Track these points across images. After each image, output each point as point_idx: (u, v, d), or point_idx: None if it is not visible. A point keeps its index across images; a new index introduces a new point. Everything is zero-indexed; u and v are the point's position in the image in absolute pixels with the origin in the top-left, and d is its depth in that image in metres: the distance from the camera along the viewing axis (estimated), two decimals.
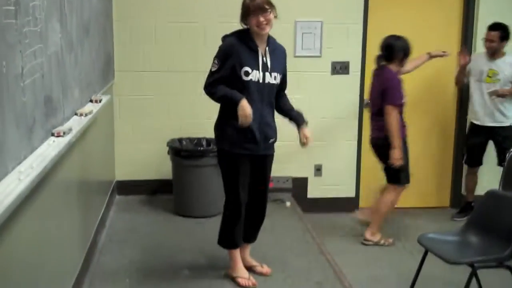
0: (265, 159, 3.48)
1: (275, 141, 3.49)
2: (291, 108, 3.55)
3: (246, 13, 3.26)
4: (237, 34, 3.34)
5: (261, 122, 3.34)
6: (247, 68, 3.25)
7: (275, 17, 3.28)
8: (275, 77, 3.35)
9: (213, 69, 3.31)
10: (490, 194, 3.57)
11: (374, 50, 5.20)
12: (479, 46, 5.21)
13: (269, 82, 3.33)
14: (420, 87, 5.40)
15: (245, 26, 3.32)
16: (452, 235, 3.53)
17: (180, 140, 4.84)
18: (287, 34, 4.98)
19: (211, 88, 3.32)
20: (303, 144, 3.50)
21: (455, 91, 5.46)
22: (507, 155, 4.49)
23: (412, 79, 5.29)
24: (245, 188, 3.44)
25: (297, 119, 3.51)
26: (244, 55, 3.25)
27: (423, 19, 5.30)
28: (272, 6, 3.27)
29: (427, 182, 5.56)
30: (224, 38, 3.38)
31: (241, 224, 3.49)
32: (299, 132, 3.49)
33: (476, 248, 3.38)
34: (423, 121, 5.46)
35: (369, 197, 5.05)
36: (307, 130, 3.49)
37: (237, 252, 3.55)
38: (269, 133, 3.40)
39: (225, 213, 3.50)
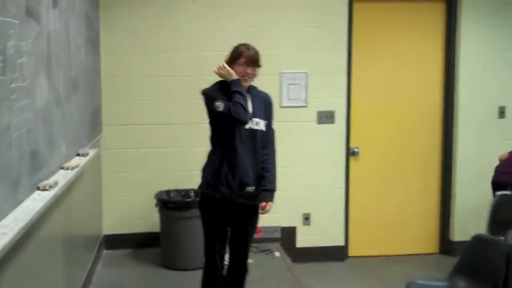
0: (245, 209, 3.39)
1: (256, 191, 3.38)
2: (267, 173, 3.42)
3: (236, 58, 3.31)
4: (218, 83, 3.39)
5: (238, 168, 3.30)
6: None
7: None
8: (257, 122, 3.36)
9: (220, 109, 3.24)
10: (477, 238, 3.59)
11: (358, 99, 5.33)
12: (462, 84, 5.33)
13: (251, 128, 3.33)
14: (401, 130, 5.48)
15: None
16: (440, 281, 3.54)
17: (168, 192, 4.84)
18: (273, 85, 5.07)
19: (233, 110, 3.25)
20: (260, 211, 3.43)
21: (439, 131, 5.53)
22: (492, 200, 4.55)
23: (393, 119, 5.40)
24: (221, 237, 3.40)
25: (263, 191, 3.39)
26: (226, 100, 3.25)
27: (404, 67, 5.42)
28: (260, 64, 3.35)
29: (413, 228, 5.58)
30: (204, 89, 3.37)
31: (218, 274, 3.44)
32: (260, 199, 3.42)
33: None
34: (406, 163, 5.51)
35: (359, 245, 5.06)
36: (269, 204, 3.38)
37: None
38: (246, 180, 3.32)
39: (204, 263, 3.48)
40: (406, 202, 5.55)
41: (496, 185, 4.64)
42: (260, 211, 3.40)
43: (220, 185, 3.30)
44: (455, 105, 5.43)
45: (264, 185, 3.41)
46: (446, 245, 5.54)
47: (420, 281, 3.50)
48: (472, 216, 5.25)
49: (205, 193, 3.37)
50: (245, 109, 3.23)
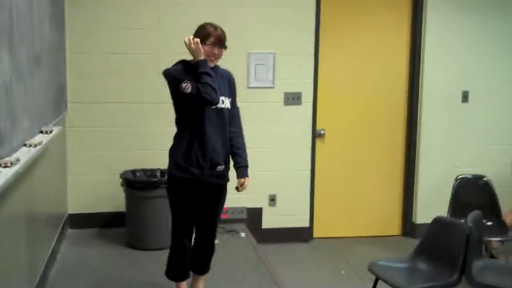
0: (214, 189, 3.42)
1: (225, 170, 3.43)
2: (239, 150, 3.48)
3: (204, 38, 3.27)
4: (180, 63, 3.35)
5: (208, 147, 3.30)
6: None
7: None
8: (223, 101, 3.35)
9: (188, 90, 3.17)
10: (438, 221, 3.66)
11: (325, 81, 5.35)
12: (427, 69, 5.41)
13: (217, 107, 3.32)
14: (367, 113, 5.53)
15: None
16: (402, 262, 3.59)
17: (133, 171, 4.81)
18: (240, 66, 5.05)
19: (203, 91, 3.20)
20: (237, 189, 3.49)
21: (404, 115, 5.59)
22: (453, 183, 4.64)
23: (359, 102, 5.45)
24: (189, 218, 3.41)
25: (238, 168, 3.47)
26: (192, 81, 3.21)
27: (371, 52, 5.46)
28: (226, 45, 3.34)
29: (377, 210, 5.66)
30: (166, 70, 3.32)
31: (185, 255, 3.46)
32: (237, 177, 3.48)
33: (425, 275, 3.44)
34: (371, 146, 5.58)
35: (324, 227, 5.11)
36: (247, 180, 3.47)
37: (182, 285, 3.52)
38: (216, 160, 3.34)
39: (171, 244, 3.48)
40: (371, 185, 5.62)
41: None
42: (239, 187, 3.46)
43: (191, 166, 3.30)
44: (419, 89, 5.49)
45: (239, 162, 3.47)
46: (409, 227, 5.64)
47: (382, 262, 3.56)
48: (435, 199, 5.33)
49: (176, 175, 3.35)
50: (215, 90, 3.22)
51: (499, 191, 4.75)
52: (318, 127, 5.39)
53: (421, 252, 3.64)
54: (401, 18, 5.47)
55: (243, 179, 3.45)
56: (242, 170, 3.46)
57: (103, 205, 5.07)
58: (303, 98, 5.27)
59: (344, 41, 5.40)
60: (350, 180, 5.57)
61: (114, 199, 4.96)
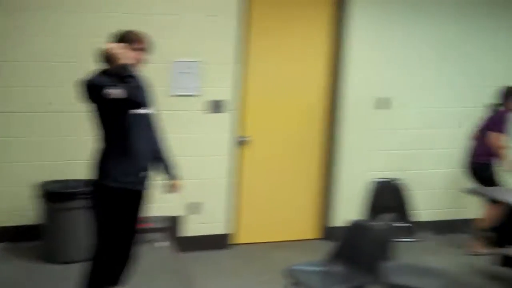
0: (141, 196, 3.43)
1: (149, 176, 3.46)
2: (164, 154, 3.57)
3: (129, 44, 3.27)
4: (101, 72, 3.28)
5: (136, 154, 3.31)
6: None
7: None
8: (146, 106, 3.37)
9: (114, 96, 3.10)
10: (354, 224, 3.76)
11: (251, 88, 5.37)
12: (348, 75, 5.55)
13: (141, 113, 3.31)
14: (291, 119, 5.61)
15: None
16: (317, 266, 3.67)
17: (48, 182, 4.66)
18: (163, 74, 5.00)
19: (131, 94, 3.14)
20: (168, 191, 3.54)
21: (326, 121, 5.71)
22: (368, 186, 4.78)
23: (283, 108, 5.52)
24: (120, 228, 3.38)
25: (168, 170, 3.57)
26: (117, 87, 3.14)
27: (295, 59, 5.52)
28: (150, 51, 3.40)
29: (298, 214, 5.75)
30: (87, 78, 3.25)
31: (110, 269, 3.41)
32: (169, 179, 3.55)
33: (340, 277, 3.53)
34: (293, 152, 5.66)
35: (247, 233, 5.14)
36: (178, 182, 3.57)
37: None
38: (145, 166, 3.39)
39: (96, 256, 3.41)
40: (292, 190, 5.70)
41: None
42: (172, 190, 3.59)
43: (122, 175, 3.27)
44: (341, 96, 5.62)
45: (170, 166, 3.60)
46: (328, 230, 5.76)
47: (299, 267, 3.63)
48: (353, 202, 5.46)
49: (109, 185, 3.28)
50: (141, 93, 3.21)
51: (411, 193, 4.94)
52: (243, 134, 5.42)
53: (337, 255, 3.73)
54: (323, 25, 5.56)
55: (175, 181, 3.56)
56: (174, 173, 3.59)
57: (17, 218, 4.88)
58: (227, 106, 5.27)
59: (270, 49, 5.43)
60: (272, 185, 5.64)
61: (28, 212, 4.79)
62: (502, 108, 5.43)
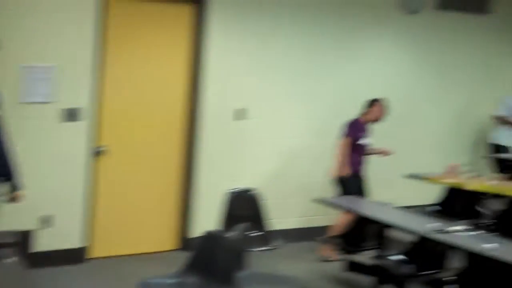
0: None
1: None
2: (11, 161, 3.37)
3: None
4: None
5: None
6: None
7: None
8: None
9: None
10: (208, 234, 3.79)
11: (109, 97, 5.23)
12: (207, 87, 5.60)
13: None
14: (150, 129, 5.54)
15: None
16: (171, 278, 3.66)
17: None
18: (13, 79, 4.73)
19: None
20: (10, 201, 3.36)
21: (185, 131, 5.69)
22: (225, 197, 4.86)
23: (141, 117, 5.45)
24: None
25: (13, 180, 3.37)
26: None
27: (154, 68, 5.48)
28: None
29: (157, 226, 5.69)
30: None
31: None
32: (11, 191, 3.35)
33: None
34: (152, 162, 5.59)
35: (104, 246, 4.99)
36: (20, 192, 3.37)
37: None
38: None
39: None
40: (151, 200, 5.63)
41: None
42: (14, 200, 3.45)
43: None
44: (200, 106, 5.65)
45: (13, 175, 3.46)
46: (187, 241, 5.75)
47: (153, 280, 3.59)
48: (213, 213, 5.49)
49: None
50: None
51: (265, 203, 5.08)
52: (101, 143, 5.27)
53: (191, 266, 3.74)
54: (184, 35, 5.57)
55: (17, 191, 3.30)
56: (18, 182, 3.41)
57: None
58: (83, 114, 5.09)
59: (129, 55, 5.34)
60: (130, 196, 5.53)
61: None
62: (358, 117, 5.77)
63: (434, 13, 6.76)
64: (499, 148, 7.04)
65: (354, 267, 4.88)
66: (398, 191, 6.47)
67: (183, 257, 5.26)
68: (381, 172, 6.35)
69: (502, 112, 7.09)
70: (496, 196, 5.07)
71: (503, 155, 6.70)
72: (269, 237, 4.90)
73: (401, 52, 6.70)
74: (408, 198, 6.40)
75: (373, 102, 5.78)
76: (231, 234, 3.80)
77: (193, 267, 3.71)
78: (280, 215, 6.08)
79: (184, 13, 5.56)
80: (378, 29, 6.48)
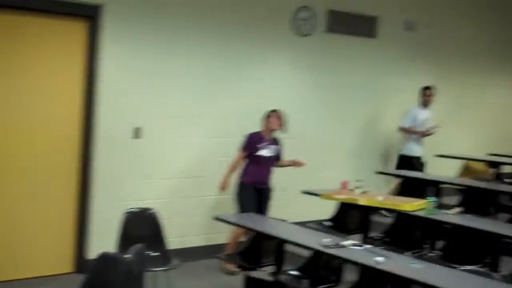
0: None
1: None
2: None
3: None
4: None
5: None
6: None
7: None
8: None
9: None
10: (102, 256, 3.69)
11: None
12: (101, 105, 5.50)
13: None
14: (40, 147, 5.37)
15: None
16: None
17: None
18: None
19: None
20: None
21: (79, 151, 5.56)
22: (122, 217, 4.78)
23: (27, 127, 5.26)
24: None
25: None
26: None
27: (44, 86, 5.33)
28: None
29: (50, 248, 5.49)
30: None
31: None
32: None
33: None
34: (43, 182, 5.40)
35: None
36: None
37: None
38: None
39: None
40: (44, 222, 5.44)
41: None
42: None
43: None
44: (94, 125, 5.55)
45: None
46: (82, 263, 5.59)
47: None
48: (108, 233, 5.40)
49: None
50: None
51: (164, 222, 5.05)
52: None
53: None
54: (76, 52, 5.46)
55: None
56: None
57: None
58: None
59: (16, 71, 5.17)
60: (21, 219, 5.30)
61: None
62: (258, 130, 5.92)
63: (325, 36, 7.04)
64: (409, 159, 7.52)
65: (253, 283, 4.92)
66: (298, 207, 6.65)
67: (79, 280, 5.15)
68: (284, 187, 6.53)
69: (407, 124, 7.59)
70: (387, 210, 5.30)
71: (407, 173, 7.06)
72: (168, 256, 4.86)
73: (298, 72, 6.91)
74: (305, 214, 6.59)
75: (269, 113, 5.91)
76: (127, 255, 3.72)
77: None
78: (181, 234, 6.08)
79: (78, 28, 5.45)
80: (276, 51, 6.66)
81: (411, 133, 7.58)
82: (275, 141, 5.99)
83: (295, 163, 6.04)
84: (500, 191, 6.11)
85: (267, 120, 5.90)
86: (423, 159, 7.60)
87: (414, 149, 7.59)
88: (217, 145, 6.29)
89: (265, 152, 5.89)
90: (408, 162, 7.49)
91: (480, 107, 8.81)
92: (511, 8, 9.22)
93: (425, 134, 7.58)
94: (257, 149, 5.86)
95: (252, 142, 5.87)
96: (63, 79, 5.45)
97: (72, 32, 5.44)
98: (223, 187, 5.89)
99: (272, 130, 5.92)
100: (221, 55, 6.27)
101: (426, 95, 7.59)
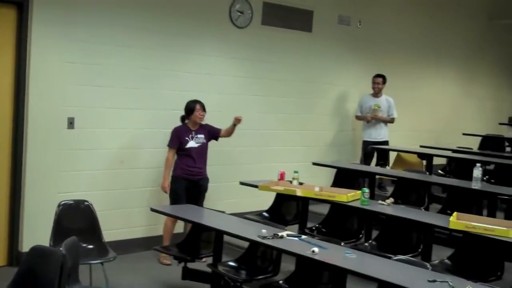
0: None
1: None
2: None
3: None
4: None
5: None
6: None
7: None
8: None
9: None
10: (34, 249, 3.61)
11: None
12: (32, 96, 5.35)
13: None
14: None
15: None
16: None
17: None
18: None
19: None
20: None
21: (9, 141, 5.39)
22: (56, 209, 4.67)
23: None
24: None
25: None
26: None
27: None
28: None
29: None
30: None
31: None
32: None
33: None
34: None
35: None
36: None
37: None
38: None
39: None
40: None
41: None
42: None
43: None
44: (24, 115, 5.39)
45: None
46: (15, 256, 5.44)
47: None
48: (42, 225, 5.26)
49: None
50: None
51: (100, 214, 4.96)
52: None
53: (17, 283, 3.54)
54: (4, 39, 5.29)
55: None
56: None
57: None
58: None
59: None
60: None
61: None
62: (179, 125, 5.92)
63: (260, 28, 7.05)
64: (366, 143, 7.86)
65: (191, 274, 4.92)
66: (236, 198, 6.67)
67: (12, 273, 5.01)
68: (222, 178, 6.55)
69: (358, 112, 7.98)
70: (323, 201, 5.37)
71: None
72: (105, 249, 4.79)
73: (235, 64, 6.89)
74: (244, 205, 6.62)
75: (194, 106, 5.89)
76: (57, 249, 3.64)
77: (20, 284, 3.51)
78: (119, 226, 5.99)
79: (6, 15, 5.27)
80: (210, 42, 6.61)
81: (359, 119, 8.01)
82: (200, 129, 5.98)
83: (235, 122, 6.00)
84: (432, 182, 6.29)
85: (192, 113, 5.88)
86: (384, 142, 7.89)
87: (368, 134, 7.93)
88: (152, 136, 6.20)
89: (193, 143, 5.88)
90: (366, 146, 7.86)
91: (414, 101, 9.05)
92: (444, 3, 9.51)
93: (360, 118, 7.98)
94: (185, 142, 5.85)
95: (179, 136, 5.86)
96: None
97: (0, 20, 5.26)
98: (165, 188, 5.86)
99: (195, 121, 5.91)
100: (157, 46, 6.17)
101: (373, 83, 7.83)
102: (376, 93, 7.86)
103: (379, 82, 7.82)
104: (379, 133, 7.87)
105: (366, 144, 7.89)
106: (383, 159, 7.84)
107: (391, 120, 7.90)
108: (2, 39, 5.28)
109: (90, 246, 4.75)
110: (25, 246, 5.39)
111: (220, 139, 6.13)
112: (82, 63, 5.66)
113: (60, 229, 4.64)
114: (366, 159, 7.88)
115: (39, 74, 5.40)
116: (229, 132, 6.07)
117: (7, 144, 5.39)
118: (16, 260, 5.39)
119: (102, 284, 4.65)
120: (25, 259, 3.60)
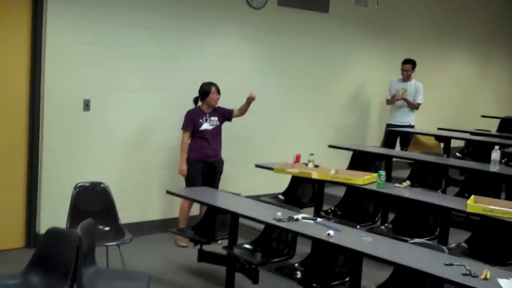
0: None
1: None
2: None
3: None
4: None
5: None
6: None
7: None
8: None
9: None
10: (51, 231, 3.64)
11: None
12: (48, 78, 5.35)
13: None
14: None
15: None
16: (13, 278, 3.47)
17: None
18: None
19: None
20: None
21: (26, 125, 5.42)
22: (72, 191, 4.68)
23: None
24: None
25: None
26: None
27: None
28: None
29: None
30: None
31: None
32: None
33: None
34: None
35: None
36: None
37: None
38: None
39: None
40: None
41: None
42: None
43: None
44: (41, 98, 5.41)
45: None
46: (33, 238, 5.49)
47: None
48: (59, 208, 5.29)
49: None
50: None
51: (116, 196, 4.98)
52: None
53: (35, 265, 3.57)
54: (20, 25, 5.29)
55: None
56: None
57: None
58: None
59: None
60: None
61: None
62: (192, 108, 5.89)
63: (276, 9, 6.98)
64: (391, 126, 7.83)
65: (207, 257, 4.93)
66: (252, 180, 6.66)
67: (30, 255, 5.06)
68: (238, 160, 6.54)
69: (388, 97, 7.93)
70: (339, 183, 5.35)
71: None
72: (121, 230, 4.81)
73: (250, 45, 6.85)
74: (259, 188, 6.62)
75: (210, 88, 5.87)
76: (74, 231, 3.67)
77: (37, 266, 3.55)
78: (136, 208, 6.02)
79: (20, 2, 5.27)
80: (225, 23, 6.57)
81: (388, 103, 7.98)
82: (214, 111, 5.96)
83: (248, 100, 5.98)
84: (449, 165, 6.23)
85: (208, 96, 5.85)
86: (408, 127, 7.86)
87: (392, 117, 7.93)
88: (167, 118, 6.19)
89: (207, 125, 5.87)
90: (394, 130, 7.82)
91: (431, 82, 8.95)
92: None
93: (389, 102, 7.94)
94: (200, 125, 5.83)
95: (193, 119, 5.84)
96: (8, 51, 5.28)
97: (17, 5, 5.26)
98: (183, 171, 5.85)
99: (210, 104, 5.89)
100: (173, 28, 6.16)
101: (402, 70, 7.80)
102: (405, 79, 7.80)
103: (408, 69, 7.78)
104: (403, 117, 7.83)
105: (388, 126, 7.85)
106: (406, 145, 7.78)
107: (416, 106, 7.82)
108: (18, 20, 5.29)
109: (107, 228, 4.78)
110: (43, 228, 5.43)
111: (234, 119, 6.10)
112: (98, 45, 5.66)
113: (77, 211, 4.66)
114: (386, 143, 7.82)
115: (55, 56, 5.41)
116: (243, 111, 6.04)
117: (24, 126, 5.42)
118: (34, 242, 5.44)
119: (118, 266, 4.68)
120: (42, 241, 3.63)
